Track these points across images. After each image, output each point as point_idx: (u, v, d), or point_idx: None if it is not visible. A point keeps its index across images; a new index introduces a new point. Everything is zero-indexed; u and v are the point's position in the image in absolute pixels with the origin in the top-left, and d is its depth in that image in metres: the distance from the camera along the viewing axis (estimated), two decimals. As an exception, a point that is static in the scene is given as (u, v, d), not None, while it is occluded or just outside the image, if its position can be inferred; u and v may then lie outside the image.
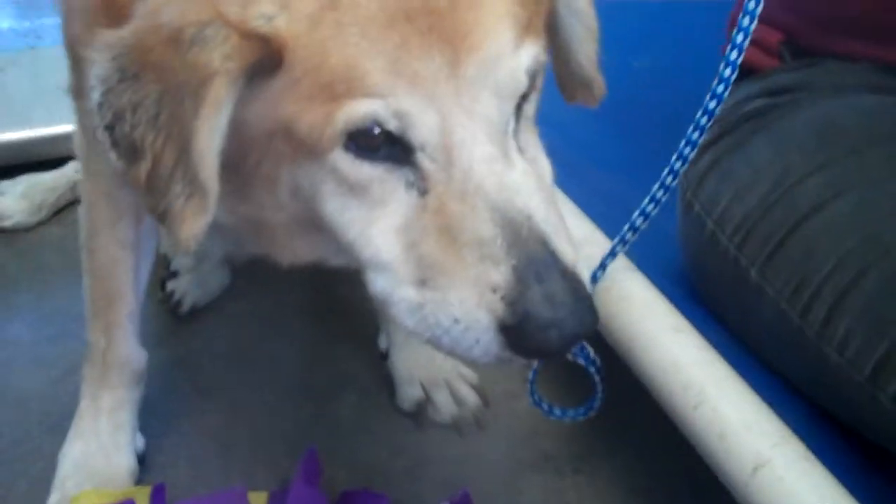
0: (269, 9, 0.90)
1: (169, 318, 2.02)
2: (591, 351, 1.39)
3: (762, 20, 1.18)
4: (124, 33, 0.93)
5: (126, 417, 1.65)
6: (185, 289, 2.02)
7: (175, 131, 0.91)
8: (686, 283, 1.54)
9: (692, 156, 1.25)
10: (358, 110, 0.91)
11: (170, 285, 2.02)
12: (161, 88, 0.91)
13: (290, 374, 1.90)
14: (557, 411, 1.50)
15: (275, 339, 1.99)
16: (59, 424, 1.70)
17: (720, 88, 1.20)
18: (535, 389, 1.50)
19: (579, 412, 1.47)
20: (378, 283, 1.00)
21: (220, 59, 0.89)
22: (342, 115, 0.91)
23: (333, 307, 2.07)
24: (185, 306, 2.02)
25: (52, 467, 1.62)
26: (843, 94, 1.42)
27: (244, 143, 0.97)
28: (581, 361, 1.39)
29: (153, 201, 0.96)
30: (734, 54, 1.18)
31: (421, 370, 1.81)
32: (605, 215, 1.63)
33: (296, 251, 1.16)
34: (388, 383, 1.85)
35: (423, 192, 0.95)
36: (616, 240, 1.37)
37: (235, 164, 0.99)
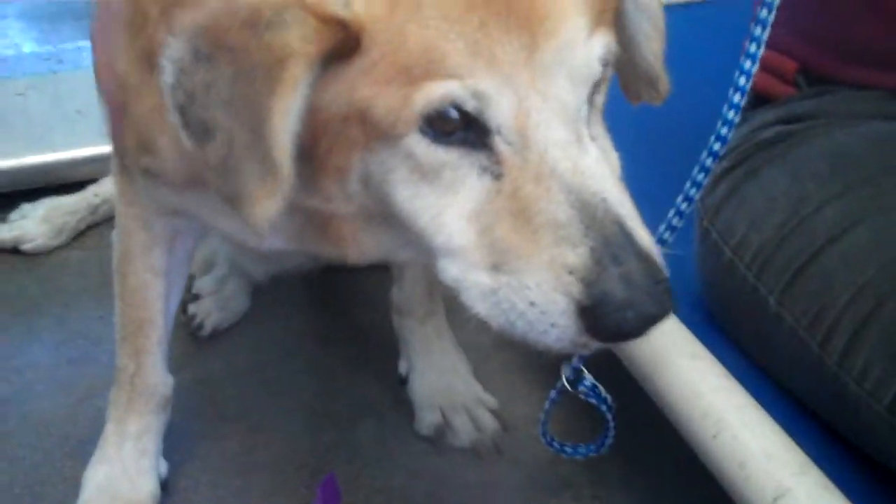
0: None
1: (190, 341, 2.03)
2: (602, 390, 1.39)
3: (777, 48, 1.19)
4: (198, 16, 0.93)
5: (151, 443, 1.65)
6: (207, 312, 2.03)
7: (248, 112, 0.91)
8: (704, 310, 1.54)
9: (708, 182, 1.25)
10: (437, 91, 0.91)
11: (191, 308, 2.03)
12: (235, 69, 0.91)
13: (310, 399, 1.91)
14: (569, 448, 1.50)
15: (295, 363, 1.99)
16: (79, 448, 1.72)
17: (731, 114, 1.21)
18: (547, 430, 1.50)
19: (590, 449, 1.47)
20: (450, 271, 1.00)
21: (299, 41, 0.89)
22: (421, 96, 0.91)
23: (353, 332, 2.07)
24: (207, 329, 2.03)
25: (72, 491, 1.63)
26: (858, 122, 1.43)
27: (316, 129, 0.96)
28: (593, 401, 1.39)
29: (224, 182, 0.95)
30: (742, 80, 1.18)
31: (440, 395, 1.82)
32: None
33: (363, 247, 1.14)
34: (407, 408, 1.85)
35: (497, 176, 0.95)
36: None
37: (307, 153, 0.98)
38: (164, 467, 1.69)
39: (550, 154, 0.93)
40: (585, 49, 0.95)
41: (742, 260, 1.41)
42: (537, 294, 0.94)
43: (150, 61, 1.10)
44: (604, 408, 1.40)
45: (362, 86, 0.93)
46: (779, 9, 1.15)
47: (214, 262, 2.07)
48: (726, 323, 1.50)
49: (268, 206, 0.94)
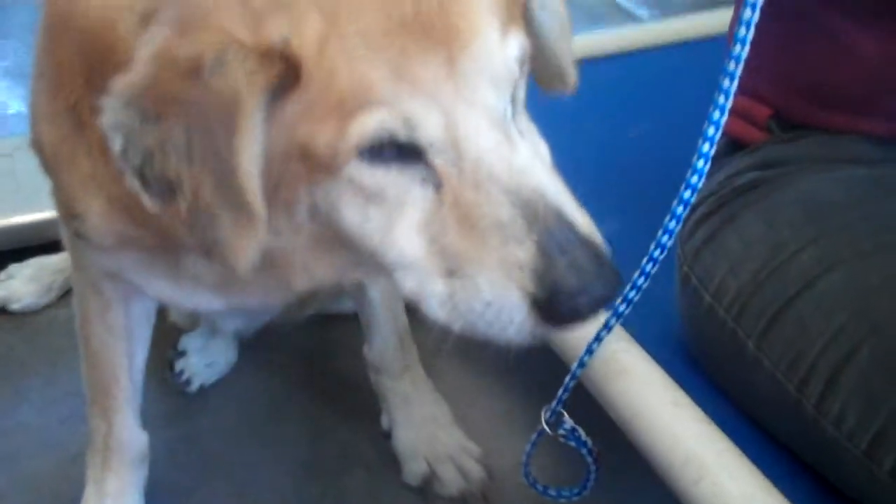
0: (282, 30, 0.92)
1: (177, 397, 2.03)
2: (582, 433, 1.40)
3: (750, 94, 1.20)
4: (133, 77, 0.93)
5: (131, 500, 1.67)
6: (194, 368, 2.03)
7: (210, 160, 0.92)
8: (685, 355, 1.55)
9: (687, 228, 1.26)
10: (369, 122, 0.93)
11: (178, 365, 2.03)
12: (187, 121, 0.91)
13: (298, 452, 1.91)
14: (552, 491, 1.50)
15: (281, 416, 2.00)
16: (71, 506, 1.72)
17: (700, 163, 1.22)
18: (529, 471, 1.50)
19: (573, 492, 1.48)
20: (407, 283, 1.02)
21: (244, 78, 0.90)
22: (354, 128, 0.93)
23: (340, 383, 2.07)
24: (194, 385, 2.03)
25: (63, 550, 1.64)
26: (833, 167, 1.44)
27: (262, 168, 0.97)
28: (573, 444, 1.40)
29: (199, 235, 0.96)
30: (711, 130, 1.20)
31: (424, 446, 1.82)
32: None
33: (313, 273, 1.16)
34: (395, 458, 1.85)
35: (438, 187, 0.97)
36: (610, 314, 1.37)
37: None
38: (147, 523, 1.70)
39: (484, 159, 0.96)
40: (502, 52, 0.97)
41: (721, 304, 1.42)
42: (491, 293, 0.97)
43: (74, 125, 1.13)
44: (584, 451, 1.41)
45: (302, 123, 0.94)
46: (751, 53, 1.17)
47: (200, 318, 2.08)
48: (708, 367, 1.51)
49: (248, 248, 0.96)
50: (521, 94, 1.06)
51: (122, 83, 0.93)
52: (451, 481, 1.80)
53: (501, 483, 1.83)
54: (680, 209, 1.24)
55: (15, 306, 2.25)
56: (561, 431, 1.41)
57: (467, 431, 1.88)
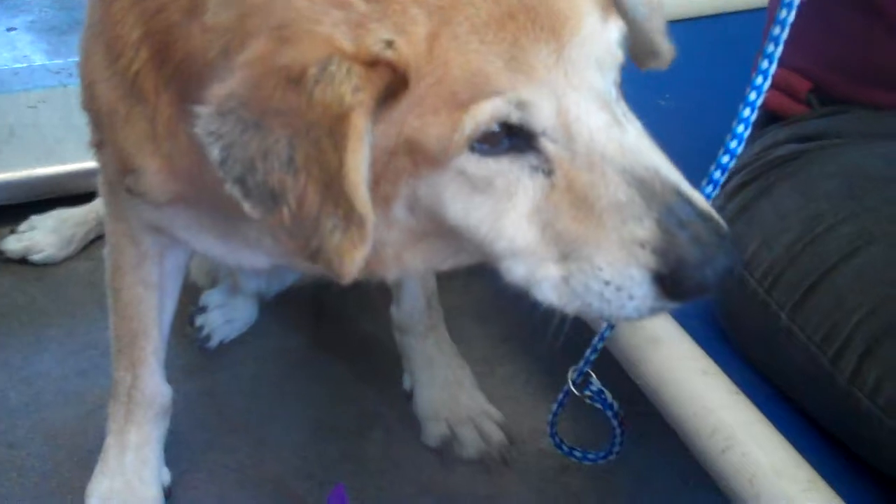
0: (386, 34, 0.92)
1: (197, 352, 2.04)
2: (608, 395, 1.40)
3: (790, 68, 1.19)
4: (233, 85, 0.93)
5: (152, 453, 1.67)
6: (215, 324, 2.04)
7: (316, 169, 0.91)
8: (715, 325, 1.54)
9: (719, 199, 1.26)
10: (484, 111, 0.94)
11: (199, 320, 2.04)
12: (290, 132, 0.91)
13: (317, 411, 1.92)
14: (578, 453, 1.51)
15: (301, 375, 2.00)
16: (87, 459, 1.73)
17: (740, 128, 1.22)
18: (556, 431, 1.50)
19: (599, 455, 1.48)
20: (517, 271, 1.03)
21: (351, 92, 0.90)
22: (469, 119, 0.94)
23: (360, 344, 2.08)
24: (214, 341, 2.04)
25: (80, 502, 1.64)
26: (871, 142, 1.43)
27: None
28: (598, 405, 1.41)
29: (302, 242, 0.96)
30: (753, 95, 1.19)
31: (445, 408, 1.83)
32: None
33: (404, 265, 1.16)
34: (414, 420, 1.86)
35: (549, 173, 0.98)
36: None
37: None
38: (166, 476, 1.71)
39: (596, 140, 0.97)
40: (605, 37, 0.99)
41: (753, 276, 1.41)
42: (611, 273, 0.98)
43: (132, 90, 1.14)
44: (609, 413, 1.41)
45: (410, 119, 0.95)
46: (792, 28, 1.16)
47: (221, 275, 2.08)
48: (737, 338, 1.50)
49: (355, 255, 0.95)
50: (618, 79, 1.05)
51: (220, 92, 0.93)
52: (471, 443, 1.80)
53: (521, 448, 1.83)
54: (718, 174, 1.24)
55: (36, 257, 2.26)
56: (587, 392, 1.42)
57: (488, 396, 1.88)
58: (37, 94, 2.37)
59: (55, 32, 2.79)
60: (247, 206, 0.94)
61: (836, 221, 1.33)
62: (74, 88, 2.33)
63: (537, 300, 1.04)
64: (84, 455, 1.77)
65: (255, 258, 1.37)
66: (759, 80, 1.19)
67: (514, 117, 0.95)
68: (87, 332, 2.08)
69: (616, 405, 1.41)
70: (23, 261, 2.26)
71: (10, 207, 2.35)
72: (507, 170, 0.98)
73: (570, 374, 1.42)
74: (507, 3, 0.93)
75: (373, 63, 0.91)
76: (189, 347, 2.03)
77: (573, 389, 1.42)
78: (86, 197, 2.33)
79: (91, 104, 1.27)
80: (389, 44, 0.92)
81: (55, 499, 1.70)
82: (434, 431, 1.82)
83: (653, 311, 1.01)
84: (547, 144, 0.97)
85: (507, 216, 1.00)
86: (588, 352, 1.40)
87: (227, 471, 1.78)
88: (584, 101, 0.96)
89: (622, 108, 1.02)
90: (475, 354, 1.95)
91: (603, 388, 1.41)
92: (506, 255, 1.02)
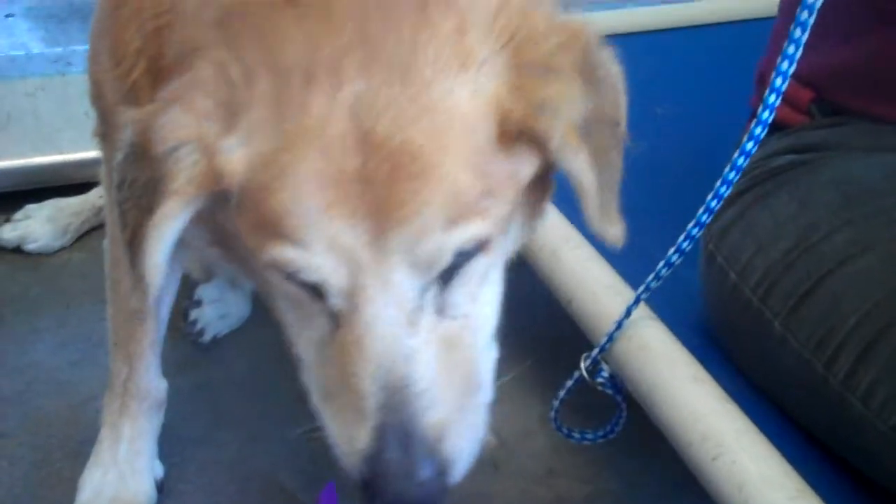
0: (233, 141, 0.96)
1: (190, 347, 2.04)
2: (620, 379, 1.44)
3: (794, 77, 1.20)
4: (139, 116, 0.99)
5: (145, 445, 1.67)
6: (209, 319, 2.05)
7: (138, 215, 0.99)
8: (706, 333, 1.55)
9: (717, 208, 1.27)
10: (281, 254, 0.96)
11: (193, 314, 2.04)
12: (148, 176, 0.97)
13: (309, 407, 1.90)
14: (577, 434, 1.54)
15: (294, 371, 1.99)
16: (79, 449, 1.73)
17: (749, 145, 1.23)
18: (557, 416, 1.54)
19: (598, 435, 1.52)
20: (304, 375, 1.10)
21: (184, 181, 0.95)
22: (269, 252, 0.97)
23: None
24: (208, 336, 2.05)
25: (71, 492, 1.64)
26: (870, 155, 1.44)
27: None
28: (609, 391, 1.46)
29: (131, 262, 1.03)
30: (766, 113, 1.20)
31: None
32: (624, 263, 1.63)
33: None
34: (405, 419, 1.85)
35: (335, 325, 1.00)
36: (641, 288, 1.39)
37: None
38: (159, 469, 1.71)
39: (373, 330, 0.97)
40: (438, 240, 0.95)
41: (747, 284, 1.42)
42: (335, 442, 1.04)
43: (129, 97, 1.17)
44: (619, 397, 1.45)
45: (238, 220, 1.00)
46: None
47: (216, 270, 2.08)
48: (728, 346, 1.51)
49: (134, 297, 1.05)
50: (481, 266, 1.03)
51: (132, 117, 1.00)
52: (460, 445, 1.80)
53: (510, 450, 1.83)
54: (723, 189, 1.27)
55: (31, 246, 2.27)
56: (599, 379, 1.46)
57: (478, 398, 1.87)
58: (34, 81, 2.36)
59: (54, 20, 2.76)
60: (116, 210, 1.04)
61: (832, 230, 1.34)
62: (72, 77, 2.37)
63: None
64: (75, 445, 1.77)
65: None
66: (779, 80, 1.21)
67: (305, 274, 0.96)
68: (80, 323, 2.09)
69: (618, 377, 1.46)
70: (17, 250, 2.27)
71: (6, 196, 2.35)
72: (306, 301, 1.01)
73: (583, 362, 1.46)
74: (344, 161, 0.92)
75: (214, 165, 0.96)
76: (183, 341, 2.03)
77: (585, 375, 1.46)
78: (82, 187, 2.34)
79: (98, 101, 1.32)
80: (231, 151, 0.95)
81: (46, 488, 1.70)
82: (424, 431, 1.82)
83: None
84: (336, 304, 0.98)
85: (305, 332, 1.05)
86: (604, 339, 1.45)
87: (219, 465, 1.79)
88: (381, 289, 0.96)
89: (451, 299, 1.01)
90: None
91: (614, 374, 1.45)
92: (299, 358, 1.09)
